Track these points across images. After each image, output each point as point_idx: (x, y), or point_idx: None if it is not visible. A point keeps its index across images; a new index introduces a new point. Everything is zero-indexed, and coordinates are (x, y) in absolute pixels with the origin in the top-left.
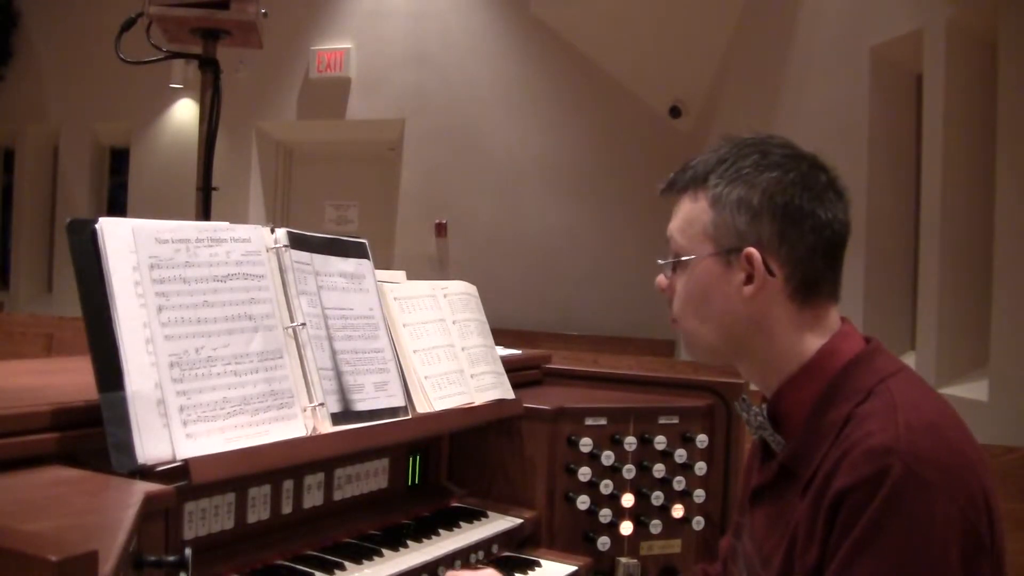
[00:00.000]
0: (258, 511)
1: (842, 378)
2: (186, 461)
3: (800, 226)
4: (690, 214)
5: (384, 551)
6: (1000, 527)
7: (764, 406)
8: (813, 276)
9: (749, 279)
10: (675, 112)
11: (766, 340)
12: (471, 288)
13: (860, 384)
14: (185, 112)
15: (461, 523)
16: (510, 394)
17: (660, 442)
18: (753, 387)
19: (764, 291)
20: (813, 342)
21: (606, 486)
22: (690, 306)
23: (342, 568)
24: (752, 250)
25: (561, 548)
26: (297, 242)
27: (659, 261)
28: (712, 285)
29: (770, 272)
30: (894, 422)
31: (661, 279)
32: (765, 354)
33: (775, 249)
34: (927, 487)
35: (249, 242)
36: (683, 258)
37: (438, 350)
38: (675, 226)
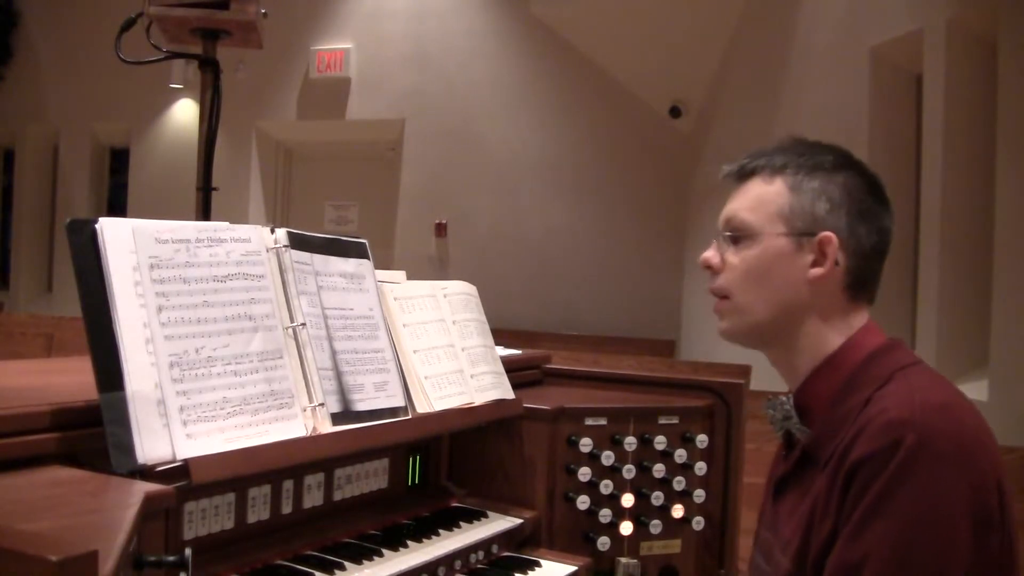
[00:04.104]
0: (258, 511)
1: (863, 368)
2: (186, 461)
3: (868, 225)
4: (763, 195)
5: (384, 551)
6: (1011, 511)
7: (791, 397)
8: (867, 274)
9: (815, 263)
10: (675, 112)
11: (817, 323)
12: (471, 288)
13: (879, 372)
14: (185, 112)
15: (461, 523)
16: (510, 394)
17: (660, 442)
18: (749, 387)
19: (827, 277)
20: (847, 335)
21: (606, 486)
22: (749, 280)
23: (342, 568)
24: (831, 235)
25: (561, 548)
26: (297, 242)
27: (727, 234)
28: (777, 263)
29: (835, 261)
30: (911, 399)
31: (711, 254)
32: (811, 338)
33: (844, 241)
34: (939, 458)
35: (249, 242)
36: (750, 234)
37: (438, 350)
38: (741, 205)
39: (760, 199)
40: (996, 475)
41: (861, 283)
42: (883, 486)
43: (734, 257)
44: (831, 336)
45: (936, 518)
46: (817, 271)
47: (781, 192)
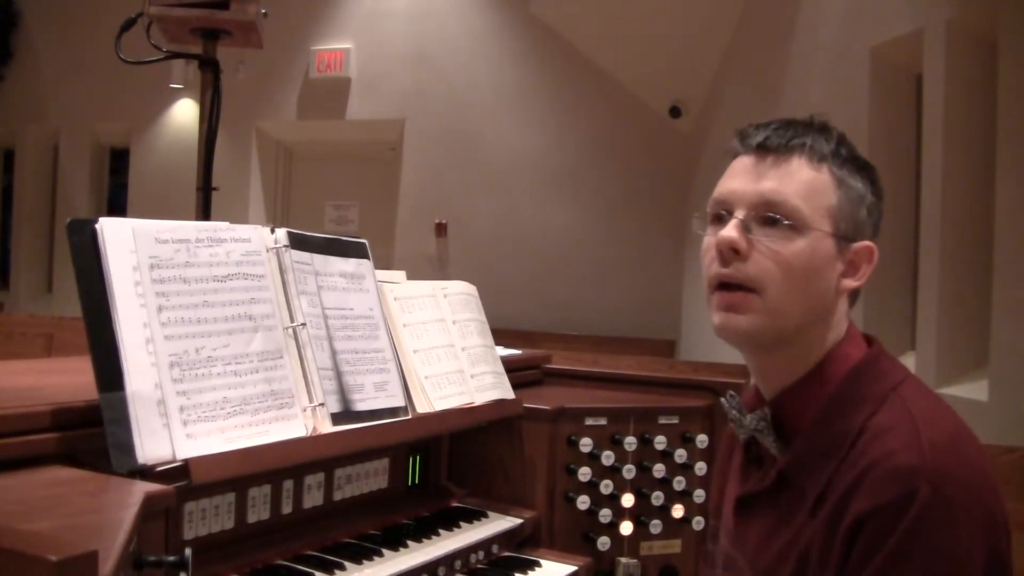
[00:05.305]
0: (258, 511)
1: (849, 385)
2: (186, 461)
3: (877, 236)
4: (815, 184)
5: (384, 551)
6: (1011, 544)
7: (767, 409)
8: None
9: (845, 273)
10: (675, 112)
11: (822, 333)
12: (471, 288)
13: (869, 392)
14: (185, 112)
15: (461, 523)
16: (510, 394)
17: (660, 442)
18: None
19: (853, 290)
20: (834, 342)
21: (606, 486)
22: (791, 278)
23: (342, 568)
24: (874, 247)
25: (561, 548)
26: (297, 242)
27: (770, 216)
28: (822, 265)
29: None
30: (916, 439)
31: (740, 238)
32: (808, 348)
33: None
34: (953, 510)
35: (249, 242)
36: (800, 225)
37: (438, 350)
38: (791, 188)
39: (813, 187)
40: (1004, 513)
41: (858, 294)
42: (895, 545)
43: (773, 246)
44: (822, 345)
45: (955, 574)
46: (851, 283)
47: (830, 184)
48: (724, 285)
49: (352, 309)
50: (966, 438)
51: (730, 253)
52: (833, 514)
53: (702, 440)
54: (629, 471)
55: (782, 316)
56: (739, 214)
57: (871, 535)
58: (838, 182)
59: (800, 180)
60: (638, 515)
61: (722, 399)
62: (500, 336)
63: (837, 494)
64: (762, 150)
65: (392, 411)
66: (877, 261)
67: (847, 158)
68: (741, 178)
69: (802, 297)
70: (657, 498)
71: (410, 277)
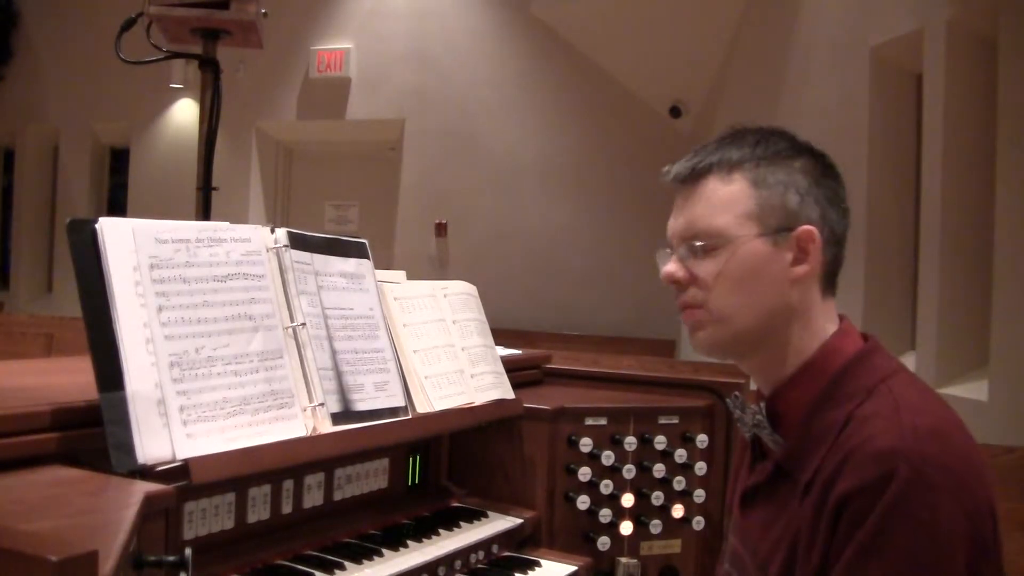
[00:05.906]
0: (258, 511)
1: (841, 378)
2: (186, 461)
3: (837, 210)
4: (726, 196)
5: (384, 551)
6: (1000, 533)
7: (763, 404)
8: (837, 264)
9: (796, 260)
10: (675, 112)
11: (801, 327)
12: (471, 288)
13: (859, 384)
14: (185, 112)
15: (461, 523)
16: (510, 394)
17: (660, 442)
18: (751, 387)
19: (809, 275)
20: (822, 336)
21: (606, 486)
22: (733, 289)
23: (342, 568)
24: (812, 228)
25: (561, 548)
26: (297, 242)
27: (695, 244)
28: (760, 266)
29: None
30: (899, 424)
31: (676, 269)
32: (792, 343)
33: (821, 231)
34: (933, 491)
35: (249, 242)
36: (720, 241)
37: (438, 350)
38: (702, 211)
39: (725, 201)
40: (989, 500)
41: (833, 274)
42: (875, 523)
43: (705, 268)
44: (809, 339)
45: (932, 557)
46: (801, 269)
47: (744, 190)
48: (683, 309)
49: (352, 309)
50: (952, 427)
51: (674, 285)
52: (819, 498)
53: (702, 440)
54: (629, 471)
55: (732, 321)
56: (676, 248)
57: (853, 514)
58: (754, 183)
59: (709, 201)
60: (638, 515)
61: (727, 400)
62: (500, 336)
63: (823, 479)
64: (678, 183)
65: (392, 411)
66: (820, 241)
67: (764, 155)
68: (672, 215)
69: (746, 300)
70: (657, 498)
71: (410, 277)
